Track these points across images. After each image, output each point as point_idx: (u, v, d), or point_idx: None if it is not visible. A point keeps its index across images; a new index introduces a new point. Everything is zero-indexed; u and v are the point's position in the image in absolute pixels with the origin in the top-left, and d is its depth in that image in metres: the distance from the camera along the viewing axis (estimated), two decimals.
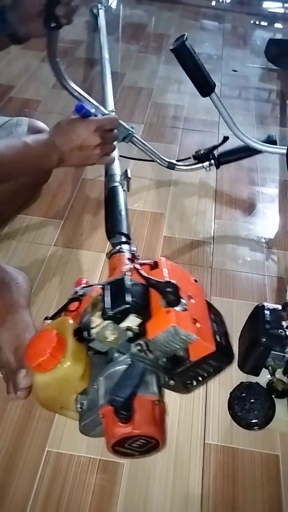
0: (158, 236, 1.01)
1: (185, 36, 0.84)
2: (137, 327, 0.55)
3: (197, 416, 0.71)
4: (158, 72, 1.71)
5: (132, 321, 0.55)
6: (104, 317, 0.54)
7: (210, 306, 0.63)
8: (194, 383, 0.59)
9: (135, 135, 1.03)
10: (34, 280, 0.88)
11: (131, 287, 0.57)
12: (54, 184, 1.11)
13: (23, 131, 0.99)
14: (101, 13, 1.80)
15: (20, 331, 0.73)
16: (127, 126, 1.02)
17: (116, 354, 0.57)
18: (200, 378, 0.59)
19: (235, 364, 0.69)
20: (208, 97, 0.91)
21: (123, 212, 0.83)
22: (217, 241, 1.01)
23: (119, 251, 0.74)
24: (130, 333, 0.56)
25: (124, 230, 0.78)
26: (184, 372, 0.57)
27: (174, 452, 0.67)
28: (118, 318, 0.54)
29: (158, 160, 1.11)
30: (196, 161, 1.09)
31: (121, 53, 1.85)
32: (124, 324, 0.55)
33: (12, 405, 0.70)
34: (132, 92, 1.57)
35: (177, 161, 1.13)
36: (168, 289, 0.54)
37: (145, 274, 0.57)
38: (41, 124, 0.96)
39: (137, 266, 0.60)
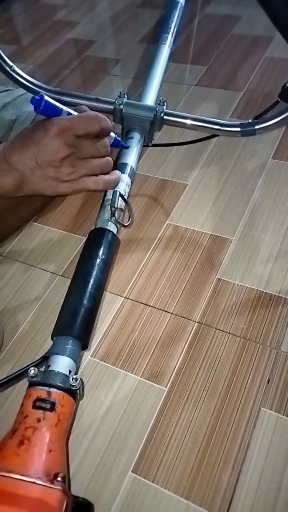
0: (208, 277, 0.66)
1: None
2: None
3: None
4: None
5: None
6: None
7: None
8: None
9: (164, 112, 0.64)
10: (19, 325, 0.64)
11: None
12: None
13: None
14: None
15: None
16: (148, 105, 0.66)
17: None
18: None
19: None
20: None
21: (89, 296, 0.46)
22: None
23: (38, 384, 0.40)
24: None
25: (77, 333, 0.44)
26: None
27: None
28: None
29: (220, 131, 0.65)
30: None
31: None
32: None
33: None
34: (242, 42, 1.15)
35: (255, 118, 0.64)
36: None
37: None
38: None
39: None
